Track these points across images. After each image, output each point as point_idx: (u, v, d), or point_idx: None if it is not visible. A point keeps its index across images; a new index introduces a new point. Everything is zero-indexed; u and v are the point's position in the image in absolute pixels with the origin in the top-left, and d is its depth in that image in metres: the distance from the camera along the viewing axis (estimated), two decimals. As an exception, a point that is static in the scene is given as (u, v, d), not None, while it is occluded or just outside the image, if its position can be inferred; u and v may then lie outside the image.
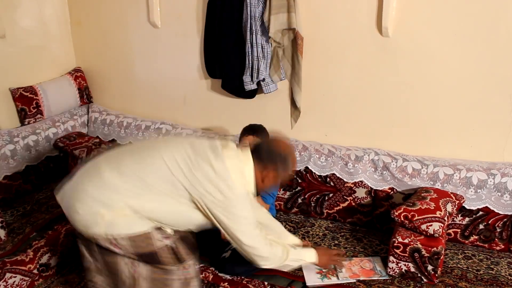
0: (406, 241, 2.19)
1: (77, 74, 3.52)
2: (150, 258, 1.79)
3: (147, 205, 1.76)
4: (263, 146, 1.91)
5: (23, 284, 2.45)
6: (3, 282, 2.34)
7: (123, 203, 1.74)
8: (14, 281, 2.40)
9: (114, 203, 1.74)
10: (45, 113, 3.28)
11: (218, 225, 1.82)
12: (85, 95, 3.56)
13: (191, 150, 1.79)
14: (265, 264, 1.94)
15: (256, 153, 1.88)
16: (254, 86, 2.79)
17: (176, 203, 1.78)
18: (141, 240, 1.75)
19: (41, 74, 3.34)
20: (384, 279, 2.23)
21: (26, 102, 3.16)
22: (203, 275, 2.32)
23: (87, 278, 1.98)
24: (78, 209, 1.76)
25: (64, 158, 3.26)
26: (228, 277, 2.30)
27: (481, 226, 2.47)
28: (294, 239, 2.26)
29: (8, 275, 2.37)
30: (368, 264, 2.35)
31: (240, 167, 1.83)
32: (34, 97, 3.19)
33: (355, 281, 2.23)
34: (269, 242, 1.94)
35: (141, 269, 1.84)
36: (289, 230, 2.64)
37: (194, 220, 1.85)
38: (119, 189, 1.75)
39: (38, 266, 2.51)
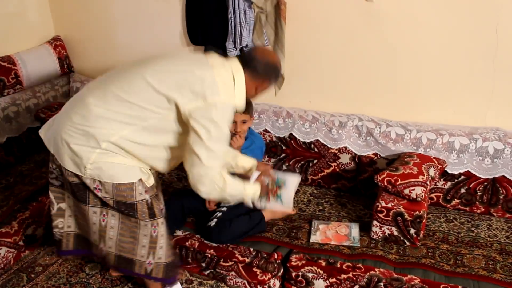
0: (389, 205, 2.22)
1: (57, 43, 3.43)
2: (126, 207, 1.86)
3: (129, 137, 1.79)
4: (256, 58, 1.93)
5: (9, 255, 2.45)
6: (-12, 254, 2.34)
7: (107, 140, 1.77)
8: (0, 253, 2.40)
9: (98, 138, 1.76)
10: (24, 83, 3.20)
11: (190, 139, 1.79)
12: (66, 64, 3.48)
13: (175, 61, 1.86)
14: (203, 191, 1.87)
15: (249, 64, 1.91)
16: (237, 53, 2.75)
17: (158, 122, 1.80)
18: (124, 190, 1.83)
19: (18, 43, 3.25)
20: (355, 246, 2.27)
21: (4, 72, 3.07)
22: (189, 242, 2.35)
23: (54, 224, 2.05)
24: (65, 141, 1.79)
25: (46, 129, 3.22)
26: (214, 244, 2.32)
27: (462, 190, 2.52)
28: (248, 161, 2.22)
29: (-7, 247, 2.37)
30: (345, 229, 2.38)
31: (228, 76, 1.86)
32: (13, 67, 3.11)
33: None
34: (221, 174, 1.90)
35: (109, 218, 1.92)
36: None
37: (175, 141, 1.88)
38: (103, 118, 1.77)
39: (23, 238, 2.51)
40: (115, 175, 1.81)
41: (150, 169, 1.94)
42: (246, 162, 2.21)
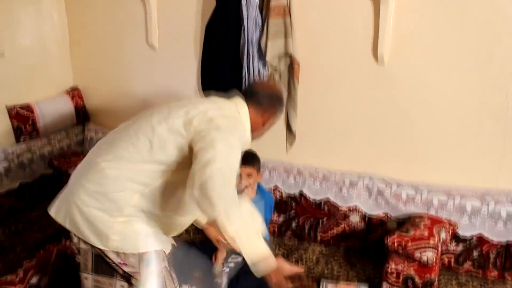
0: (399, 268, 2.18)
1: (74, 93, 3.53)
2: (154, 278, 1.73)
3: (148, 195, 1.71)
4: (257, 91, 1.96)
5: (12, 305, 2.42)
6: (-8, 302, 2.31)
7: (127, 205, 1.68)
8: (3, 302, 2.37)
9: (118, 205, 1.67)
10: (41, 131, 3.27)
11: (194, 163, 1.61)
12: (82, 114, 3.57)
13: (181, 106, 1.79)
14: (220, 212, 1.55)
15: (252, 98, 1.92)
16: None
17: (175, 173, 1.72)
18: (149, 258, 1.71)
19: (38, 92, 3.35)
20: None
21: (22, 120, 3.16)
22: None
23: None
24: (82, 213, 1.69)
25: (58, 177, 3.25)
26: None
27: (475, 253, 2.46)
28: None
29: (-3, 295, 2.34)
30: (354, 290, 2.33)
31: (233, 111, 1.85)
32: (31, 115, 3.19)
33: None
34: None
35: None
36: (282, 254, 2.64)
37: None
38: (119, 180, 1.68)
39: (28, 287, 2.48)
40: (141, 244, 1.70)
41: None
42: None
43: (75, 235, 1.77)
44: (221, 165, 1.56)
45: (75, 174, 1.83)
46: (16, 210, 3.03)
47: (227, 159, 1.60)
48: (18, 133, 3.17)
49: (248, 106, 1.89)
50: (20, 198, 3.08)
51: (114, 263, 1.72)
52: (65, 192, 1.82)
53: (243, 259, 1.64)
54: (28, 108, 3.20)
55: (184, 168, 1.67)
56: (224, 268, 2.36)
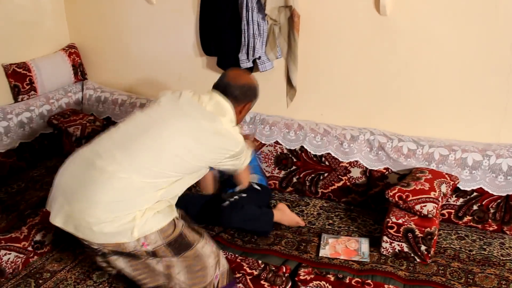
0: (400, 221, 2.20)
1: (71, 51, 3.48)
2: (178, 242, 1.84)
3: (164, 195, 1.86)
4: (229, 83, 2.07)
5: (18, 261, 2.46)
6: (-2, 258, 2.35)
7: (145, 206, 1.78)
8: (9, 258, 2.40)
9: (137, 206, 1.76)
10: (38, 89, 3.24)
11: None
12: (79, 72, 3.52)
13: (190, 127, 1.91)
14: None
15: (226, 93, 2.05)
16: (250, 64, 2.76)
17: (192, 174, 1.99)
18: (168, 229, 1.81)
19: (34, 50, 3.30)
20: (364, 261, 2.24)
21: (19, 79, 3.12)
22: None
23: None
24: (100, 220, 1.72)
25: (58, 136, 3.25)
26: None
27: (475, 207, 2.48)
28: None
29: (2, 252, 2.38)
30: (354, 244, 2.35)
31: (223, 110, 2.00)
32: (28, 74, 3.15)
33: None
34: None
35: (170, 262, 1.86)
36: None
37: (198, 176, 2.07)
38: (139, 191, 1.78)
39: (32, 243, 2.52)
40: (157, 222, 1.79)
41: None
42: None
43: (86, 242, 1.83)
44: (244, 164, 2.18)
45: (76, 174, 1.83)
46: (17, 169, 3.04)
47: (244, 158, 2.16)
48: (16, 92, 3.14)
49: (227, 99, 2.04)
50: (21, 157, 3.08)
51: (134, 250, 1.79)
52: (69, 200, 1.80)
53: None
54: (24, 66, 3.15)
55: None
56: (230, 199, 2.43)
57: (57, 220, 1.83)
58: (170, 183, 1.86)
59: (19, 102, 3.14)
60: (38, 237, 2.54)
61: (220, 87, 2.07)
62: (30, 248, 2.52)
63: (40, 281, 2.44)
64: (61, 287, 2.41)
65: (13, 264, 2.43)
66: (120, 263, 1.90)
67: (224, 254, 2.14)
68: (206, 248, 1.92)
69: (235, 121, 2.05)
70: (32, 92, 3.21)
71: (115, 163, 1.76)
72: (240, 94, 2.06)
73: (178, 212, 1.97)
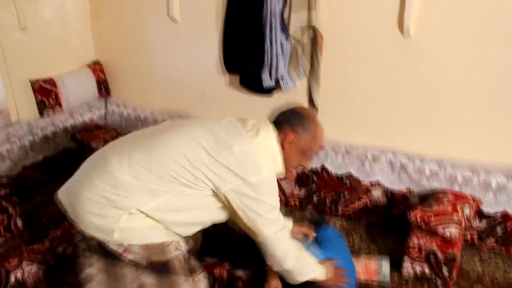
0: (421, 243, 2.17)
1: (96, 67, 3.55)
2: (161, 267, 1.70)
3: (159, 208, 1.65)
4: (278, 112, 1.80)
5: (39, 272, 2.49)
6: (20, 270, 2.38)
7: (135, 208, 1.62)
8: (31, 269, 2.44)
9: (126, 207, 1.62)
10: (63, 105, 3.31)
11: (238, 217, 1.70)
12: (103, 88, 3.59)
13: (210, 135, 1.66)
14: (273, 262, 1.80)
15: (275, 121, 1.77)
16: (272, 83, 2.78)
17: (193, 196, 1.66)
18: (156, 249, 1.67)
19: (60, 66, 3.37)
20: (385, 282, 2.21)
21: (46, 94, 3.19)
22: (218, 270, 2.33)
23: None
24: (87, 208, 1.63)
25: (81, 150, 3.30)
26: (242, 274, 2.26)
27: (498, 231, 2.44)
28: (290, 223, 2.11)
29: (25, 263, 2.41)
30: (374, 264, 2.32)
31: (264, 144, 1.69)
32: (53, 89, 3.22)
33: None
34: (290, 238, 1.80)
35: (145, 279, 1.72)
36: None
37: (212, 215, 1.77)
38: (131, 188, 1.61)
39: (54, 256, 2.55)
40: (146, 236, 1.65)
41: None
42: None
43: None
44: (275, 228, 1.72)
45: (86, 165, 1.77)
46: (41, 182, 3.09)
47: (271, 228, 1.72)
48: (42, 107, 3.21)
49: (275, 132, 1.74)
50: (45, 171, 3.13)
51: (117, 252, 1.67)
52: (73, 182, 1.76)
53: None
54: (51, 82, 3.22)
55: (203, 193, 1.68)
56: None
57: (59, 194, 1.76)
58: (164, 195, 1.63)
59: (44, 117, 3.21)
60: (59, 250, 2.57)
61: (275, 117, 1.80)
62: (51, 261, 2.55)
63: (61, 294, 2.47)
64: (81, 300, 2.43)
65: (34, 276, 2.47)
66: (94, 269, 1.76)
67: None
68: (187, 286, 1.74)
69: (280, 159, 1.75)
70: (57, 107, 3.27)
71: (118, 157, 1.66)
72: (282, 118, 1.76)
73: (187, 243, 1.79)
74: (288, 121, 1.75)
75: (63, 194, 1.75)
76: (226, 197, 1.66)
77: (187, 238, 1.81)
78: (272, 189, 1.69)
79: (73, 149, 3.32)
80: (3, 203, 2.49)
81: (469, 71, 2.44)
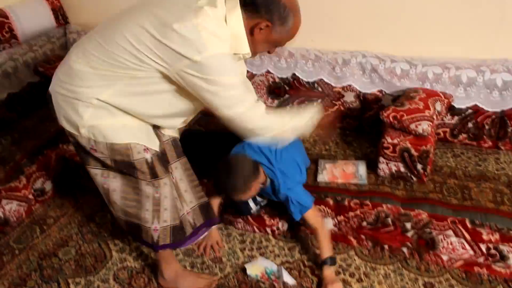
0: (395, 141, 2.20)
1: (49, -6, 3.34)
2: (125, 166, 1.75)
3: (120, 94, 1.62)
4: None
5: (20, 209, 2.49)
6: (0, 208, 2.37)
7: (94, 98, 1.62)
8: (11, 207, 2.44)
9: (86, 97, 1.62)
10: (20, 37, 3.14)
11: (204, 103, 1.63)
12: (60, 16, 3.40)
13: (153, 17, 1.52)
14: (264, 134, 1.74)
15: (245, 2, 1.56)
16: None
17: (148, 79, 1.59)
18: (119, 149, 1.70)
19: (9, -4, 3.16)
20: (362, 184, 2.26)
21: (-2, 27, 3.02)
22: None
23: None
24: (58, 101, 1.69)
25: (46, 83, 3.16)
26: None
27: (470, 125, 2.48)
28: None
29: (4, 201, 2.40)
30: (351, 167, 2.36)
31: (218, 18, 1.53)
32: (6, 21, 3.04)
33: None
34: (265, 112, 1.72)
35: (111, 181, 1.83)
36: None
37: (177, 100, 1.70)
38: (86, 76, 1.60)
39: (32, 191, 2.54)
40: (110, 135, 1.68)
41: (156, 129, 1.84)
42: None
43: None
44: (239, 109, 1.62)
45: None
46: (9, 120, 3.00)
47: (237, 98, 1.61)
48: (-4, 42, 3.05)
49: (242, 11, 1.57)
50: (11, 108, 3.03)
51: (85, 149, 1.74)
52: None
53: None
54: (1, 13, 3.03)
55: (156, 75, 1.59)
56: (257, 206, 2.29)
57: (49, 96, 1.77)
58: (120, 79, 1.59)
59: (1, 51, 3.05)
60: (37, 185, 2.56)
61: None
62: (30, 196, 2.54)
63: (45, 227, 2.49)
64: (66, 231, 2.46)
65: (16, 213, 2.47)
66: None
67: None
68: (148, 189, 1.80)
69: (243, 34, 1.59)
70: (13, 40, 3.11)
71: (75, 50, 1.67)
72: (258, 2, 1.54)
73: (156, 144, 1.79)
74: (265, 6, 1.55)
75: (48, 93, 1.78)
76: (178, 81, 1.57)
77: (160, 142, 1.82)
78: (224, 67, 1.53)
79: (37, 83, 3.19)
80: (-28, 144, 2.43)
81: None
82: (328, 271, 2.05)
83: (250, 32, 1.60)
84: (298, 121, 1.85)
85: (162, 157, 1.82)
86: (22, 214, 2.52)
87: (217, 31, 1.50)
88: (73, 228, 2.47)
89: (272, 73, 2.79)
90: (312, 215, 2.09)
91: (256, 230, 2.29)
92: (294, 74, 2.74)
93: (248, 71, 2.77)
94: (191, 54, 1.47)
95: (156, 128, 1.85)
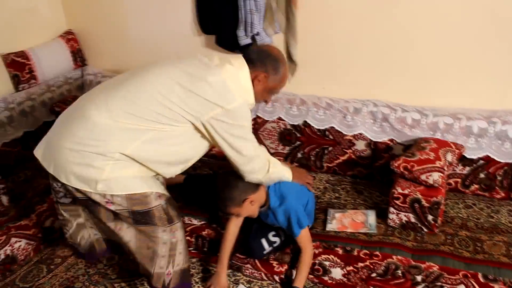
0: (406, 191, 2.18)
1: (69, 37, 3.44)
2: (143, 216, 1.78)
3: (142, 147, 1.72)
4: (253, 49, 1.97)
5: (29, 247, 2.49)
6: (9, 246, 2.39)
7: (117, 152, 1.68)
8: (20, 245, 2.44)
9: (108, 151, 1.67)
10: (39, 78, 3.23)
11: (219, 144, 1.84)
12: (79, 58, 3.50)
13: (181, 72, 1.76)
14: (253, 177, 2.00)
15: (246, 56, 1.89)
16: (248, 41, 2.72)
17: (173, 132, 1.75)
18: (138, 199, 1.75)
19: (32, 39, 3.26)
20: (371, 233, 2.23)
21: (19, 68, 3.10)
22: (206, 232, 2.35)
23: (79, 239, 1.98)
24: (70, 159, 1.68)
25: (61, 123, 3.24)
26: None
27: (481, 175, 2.46)
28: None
29: (13, 239, 2.41)
30: (361, 217, 2.34)
31: (234, 75, 1.81)
32: (26, 62, 3.13)
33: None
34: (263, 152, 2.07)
35: (125, 232, 1.84)
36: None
37: (192, 148, 1.88)
38: (111, 130, 1.67)
39: (42, 230, 2.55)
40: (128, 186, 1.73)
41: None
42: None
43: (57, 181, 1.77)
44: (249, 151, 1.89)
45: (62, 119, 1.82)
46: (22, 158, 3.04)
47: (253, 147, 1.92)
48: (16, 81, 3.13)
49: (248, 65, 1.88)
50: (26, 146, 3.08)
51: (99, 204, 1.76)
52: (51, 136, 1.81)
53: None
54: (23, 55, 3.13)
55: (181, 129, 1.77)
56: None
57: (37, 150, 1.82)
58: (145, 133, 1.71)
59: (20, 91, 3.13)
60: (47, 224, 2.57)
61: (245, 52, 1.94)
62: (40, 235, 2.55)
63: (52, 267, 2.48)
64: (72, 272, 2.44)
65: (24, 251, 2.47)
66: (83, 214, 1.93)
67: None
68: (165, 235, 1.84)
69: (250, 85, 1.89)
70: (33, 81, 3.20)
71: (94, 105, 1.72)
72: (256, 57, 1.88)
73: (164, 190, 1.88)
74: (260, 61, 1.88)
75: (41, 149, 1.80)
76: (206, 128, 1.78)
77: (166, 187, 1.93)
78: (247, 114, 1.83)
79: (53, 122, 3.22)
80: (-14, 181, 2.47)
81: (445, 15, 2.40)
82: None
83: (253, 84, 1.89)
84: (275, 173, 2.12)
85: (172, 201, 1.88)
86: (30, 253, 2.52)
87: (237, 86, 1.79)
88: (80, 269, 2.46)
89: (284, 120, 2.81)
90: (305, 234, 2.12)
91: (264, 277, 2.25)
92: (305, 121, 2.76)
93: (260, 118, 2.82)
94: (224, 103, 1.73)
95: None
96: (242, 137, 1.85)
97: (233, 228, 2.20)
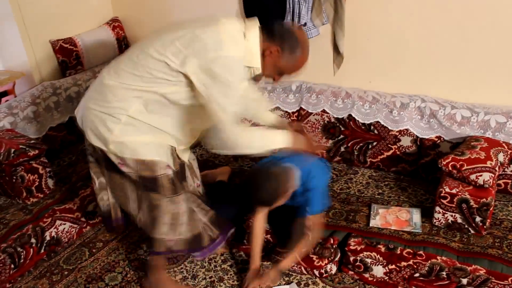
0: (453, 191, 2.11)
1: (115, 24, 3.49)
2: (150, 181, 1.89)
3: (143, 108, 1.82)
4: (280, 23, 1.89)
5: (72, 230, 2.55)
6: (54, 228, 2.45)
7: (125, 114, 1.81)
8: (64, 228, 2.50)
9: (117, 112, 1.81)
10: (85, 64, 3.29)
11: (202, 100, 1.77)
12: (124, 45, 3.54)
13: (182, 30, 1.78)
14: (233, 148, 1.88)
15: (266, 27, 1.81)
16: (295, 32, 2.68)
17: (171, 91, 1.79)
18: (146, 165, 1.86)
19: (79, 25, 3.33)
20: (416, 232, 2.17)
21: (66, 54, 3.17)
22: (246, 223, 2.35)
23: (99, 198, 2.13)
24: (89, 118, 1.86)
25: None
26: (269, 229, 2.29)
27: (533, 177, 2.36)
28: (271, 116, 2.23)
29: (58, 222, 2.47)
30: (405, 214, 2.28)
31: (236, 32, 1.76)
32: (74, 49, 3.20)
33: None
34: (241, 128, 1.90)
35: (133, 201, 2.03)
36: (331, 178, 2.62)
37: (194, 108, 1.87)
38: (117, 91, 1.81)
39: (85, 214, 2.61)
40: (138, 151, 1.85)
41: (175, 150, 1.99)
42: (270, 117, 2.21)
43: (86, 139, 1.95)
44: (223, 118, 1.77)
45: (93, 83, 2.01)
46: (68, 142, 3.11)
47: (226, 106, 1.76)
48: (64, 67, 3.20)
49: (260, 32, 1.80)
50: (71, 131, 3.14)
51: (114, 162, 1.90)
52: (83, 98, 1.99)
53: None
54: (71, 41, 3.19)
55: (180, 84, 1.79)
56: None
57: (76, 110, 2.00)
58: (144, 94, 1.80)
59: (67, 77, 3.20)
60: (90, 208, 2.62)
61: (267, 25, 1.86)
62: (83, 219, 2.60)
63: (94, 250, 2.53)
64: (113, 256, 2.49)
65: (68, 234, 2.53)
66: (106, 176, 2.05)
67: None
68: (169, 206, 1.93)
69: (258, 50, 1.79)
70: (79, 67, 3.26)
71: (107, 68, 1.90)
72: (277, 31, 1.79)
73: (175, 164, 1.95)
74: (280, 36, 1.78)
75: (78, 110, 1.99)
76: (191, 79, 1.73)
77: (175, 158, 1.99)
78: (232, 67, 1.72)
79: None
80: (34, 164, 2.53)
81: (499, 9, 2.30)
82: (275, 272, 2.14)
83: (262, 54, 1.80)
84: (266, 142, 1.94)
85: (180, 175, 2.00)
86: (74, 236, 2.58)
87: (234, 40, 1.73)
88: (120, 254, 2.50)
89: (328, 113, 2.77)
90: (317, 219, 2.13)
91: (304, 271, 2.23)
92: (350, 115, 2.71)
93: (303, 109, 2.78)
94: (206, 50, 1.69)
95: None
96: (222, 93, 1.74)
97: (261, 223, 2.21)
